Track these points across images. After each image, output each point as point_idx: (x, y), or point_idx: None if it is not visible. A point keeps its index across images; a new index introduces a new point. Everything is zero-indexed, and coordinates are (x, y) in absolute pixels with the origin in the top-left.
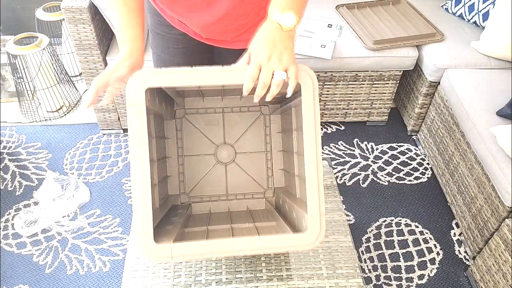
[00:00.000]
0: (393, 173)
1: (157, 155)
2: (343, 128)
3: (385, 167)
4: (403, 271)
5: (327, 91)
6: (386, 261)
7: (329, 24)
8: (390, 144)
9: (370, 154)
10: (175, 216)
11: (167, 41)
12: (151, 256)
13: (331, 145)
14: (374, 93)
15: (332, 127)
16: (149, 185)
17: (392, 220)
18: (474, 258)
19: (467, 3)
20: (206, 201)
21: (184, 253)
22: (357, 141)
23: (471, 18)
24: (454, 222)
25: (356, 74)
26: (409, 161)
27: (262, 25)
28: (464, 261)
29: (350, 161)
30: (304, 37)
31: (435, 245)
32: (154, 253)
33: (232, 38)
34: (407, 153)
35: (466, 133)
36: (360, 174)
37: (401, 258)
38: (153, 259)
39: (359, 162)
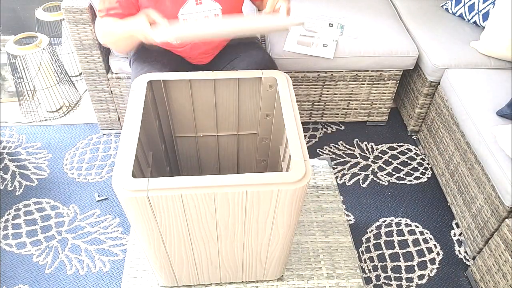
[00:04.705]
0: (393, 173)
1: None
2: (343, 128)
3: (385, 167)
4: (403, 271)
5: (327, 91)
6: (386, 261)
7: (330, 23)
8: (390, 144)
9: (370, 154)
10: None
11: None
12: (127, 188)
13: (331, 145)
14: (374, 93)
15: (332, 127)
16: (139, 123)
17: (392, 220)
18: (474, 258)
19: (467, 3)
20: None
21: (161, 187)
22: (357, 141)
23: (471, 18)
24: (454, 222)
25: (356, 74)
26: (409, 161)
27: None
28: (464, 261)
29: (350, 161)
30: (306, 36)
31: (435, 245)
32: (130, 186)
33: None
34: (407, 153)
35: (466, 133)
36: (360, 174)
37: (401, 258)
38: (129, 193)
39: (359, 162)
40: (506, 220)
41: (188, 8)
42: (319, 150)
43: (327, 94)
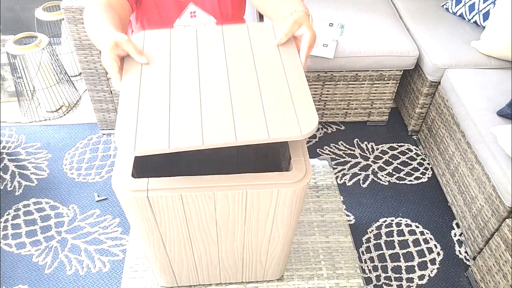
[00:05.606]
0: (394, 173)
1: None
2: (343, 128)
3: (386, 167)
4: (403, 271)
5: (327, 91)
6: (387, 262)
7: (330, 23)
8: (391, 144)
9: (370, 154)
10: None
11: None
12: (126, 188)
13: (331, 145)
14: (375, 93)
15: (332, 127)
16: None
17: (392, 220)
18: (474, 258)
19: (467, 2)
20: None
21: (161, 187)
22: (357, 141)
23: (472, 18)
24: (454, 222)
25: (356, 74)
26: (409, 161)
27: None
28: (465, 262)
29: (350, 161)
30: None
31: (435, 245)
32: (129, 186)
33: None
34: (408, 153)
35: (467, 133)
36: (360, 174)
37: (401, 259)
38: (128, 193)
39: (359, 162)
40: (507, 220)
41: (183, 20)
42: (319, 150)
43: (327, 94)
